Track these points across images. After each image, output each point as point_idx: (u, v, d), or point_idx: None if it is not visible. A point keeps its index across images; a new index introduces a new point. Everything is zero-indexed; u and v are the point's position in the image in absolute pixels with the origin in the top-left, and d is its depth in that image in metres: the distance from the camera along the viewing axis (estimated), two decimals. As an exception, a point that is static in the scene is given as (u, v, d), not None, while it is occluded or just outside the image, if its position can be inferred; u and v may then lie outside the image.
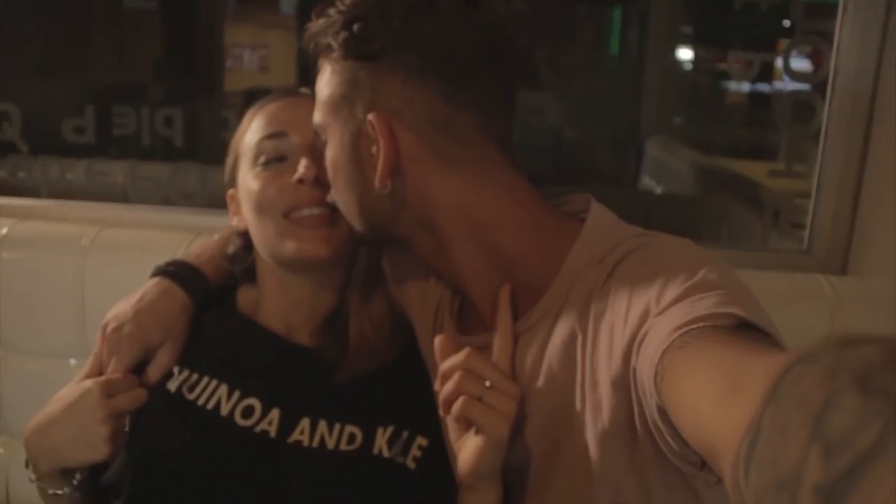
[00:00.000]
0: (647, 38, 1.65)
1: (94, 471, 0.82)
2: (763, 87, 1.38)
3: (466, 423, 0.68)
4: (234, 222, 0.86)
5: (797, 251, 1.18)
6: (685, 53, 1.61)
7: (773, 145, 1.25)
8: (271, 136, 0.80)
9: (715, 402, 0.44)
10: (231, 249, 0.88)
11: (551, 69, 1.61)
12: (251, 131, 0.82)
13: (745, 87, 1.51)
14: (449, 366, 0.68)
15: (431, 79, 0.66)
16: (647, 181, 1.63)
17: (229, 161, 0.86)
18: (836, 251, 1.14)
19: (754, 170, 1.40)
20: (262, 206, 0.78)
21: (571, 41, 1.64)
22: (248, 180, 0.80)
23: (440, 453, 0.76)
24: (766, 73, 1.25)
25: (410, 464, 0.77)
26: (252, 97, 0.94)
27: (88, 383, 0.78)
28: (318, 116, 0.73)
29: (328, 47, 0.70)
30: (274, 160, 0.79)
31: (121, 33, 1.69)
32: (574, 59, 1.63)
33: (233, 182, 0.85)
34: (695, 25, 1.63)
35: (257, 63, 1.81)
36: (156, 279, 0.84)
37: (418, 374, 0.80)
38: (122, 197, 1.35)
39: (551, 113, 1.62)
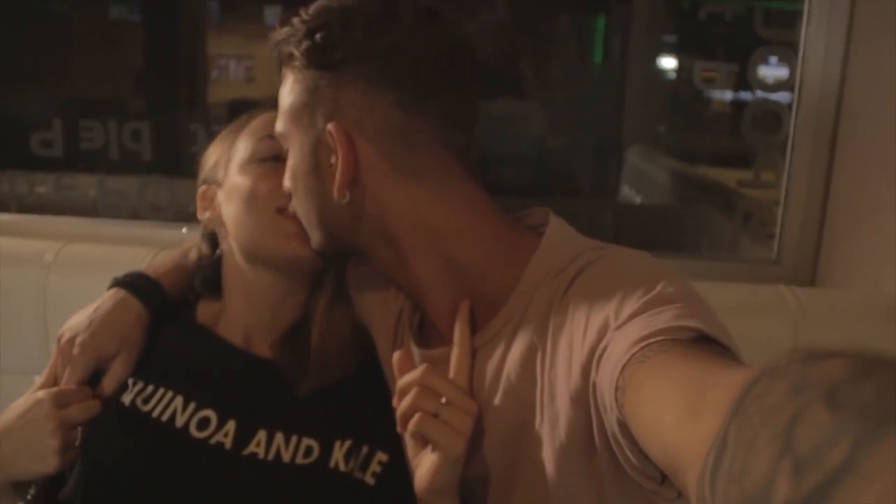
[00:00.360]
0: (628, 48, 1.66)
1: (52, 486, 0.80)
2: (746, 96, 1.38)
3: (423, 440, 0.68)
4: (206, 216, 0.85)
5: (767, 261, 1.18)
6: (668, 63, 1.62)
7: (753, 154, 1.25)
8: (274, 136, 0.79)
9: (678, 417, 0.43)
10: (195, 255, 0.87)
11: (536, 79, 1.61)
12: (248, 131, 0.82)
13: (728, 95, 1.51)
14: (406, 382, 0.67)
15: (391, 89, 0.67)
16: (626, 190, 1.63)
17: (210, 158, 0.86)
18: (805, 262, 1.14)
19: (729, 179, 1.41)
20: (253, 200, 0.78)
21: (554, 50, 1.64)
22: (239, 176, 0.80)
23: (400, 469, 0.75)
24: (747, 83, 1.25)
25: (369, 479, 0.76)
26: (236, 108, 0.93)
27: (40, 394, 0.78)
28: (280, 125, 0.73)
29: (291, 56, 0.70)
30: (271, 159, 0.79)
31: (104, 45, 1.68)
32: (556, 69, 1.63)
33: (212, 179, 0.85)
34: (677, 35, 1.64)
35: (242, 74, 1.80)
36: (112, 290, 0.83)
37: (379, 388, 0.80)
38: (94, 211, 1.34)
39: (535, 122, 1.62)
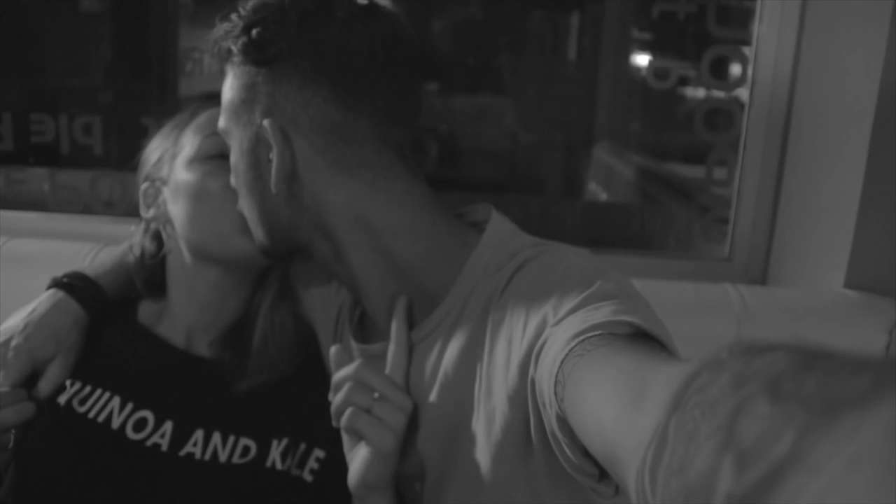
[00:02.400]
0: (601, 44, 1.65)
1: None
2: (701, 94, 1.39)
3: (357, 435, 0.68)
4: (150, 214, 0.83)
5: (719, 259, 1.18)
6: (642, 60, 1.61)
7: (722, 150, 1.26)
8: (219, 133, 0.77)
9: (618, 410, 0.43)
10: (138, 252, 0.85)
11: (510, 75, 1.60)
12: (194, 128, 0.81)
13: (701, 93, 1.52)
14: (340, 377, 0.67)
15: (325, 85, 0.66)
16: (593, 187, 1.63)
17: (153, 154, 0.84)
18: (756, 260, 1.15)
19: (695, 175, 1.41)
20: (202, 197, 0.77)
21: (527, 47, 1.64)
22: (186, 173, 0.79)
23: (338, 465, 0.75)
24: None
25: (307, 476, 0.76)
26: (209, 101, 0.91)
27: None
28: (221, 122, 0.73)
29: (229, 52, 0.70)
30: (218, 156, 0.78)
31: (73, 36, 1.65)
32: (528, 65, 1.62)
33: (155, 175, 0.83)
34: (651, 32, 1.64)
35: (217, 66, 1.77)
36: (50, 291, 0.82)
37: (320, 385, 0.79)
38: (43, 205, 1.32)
39: (508, 118, 1.62)
